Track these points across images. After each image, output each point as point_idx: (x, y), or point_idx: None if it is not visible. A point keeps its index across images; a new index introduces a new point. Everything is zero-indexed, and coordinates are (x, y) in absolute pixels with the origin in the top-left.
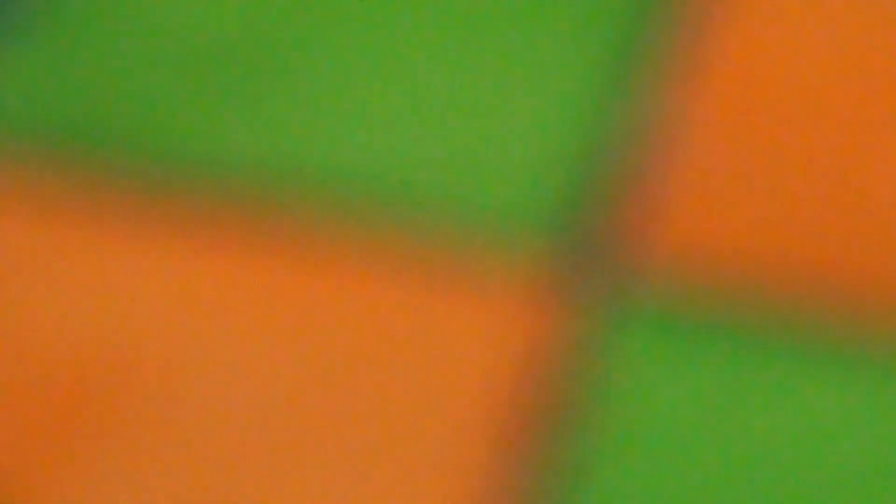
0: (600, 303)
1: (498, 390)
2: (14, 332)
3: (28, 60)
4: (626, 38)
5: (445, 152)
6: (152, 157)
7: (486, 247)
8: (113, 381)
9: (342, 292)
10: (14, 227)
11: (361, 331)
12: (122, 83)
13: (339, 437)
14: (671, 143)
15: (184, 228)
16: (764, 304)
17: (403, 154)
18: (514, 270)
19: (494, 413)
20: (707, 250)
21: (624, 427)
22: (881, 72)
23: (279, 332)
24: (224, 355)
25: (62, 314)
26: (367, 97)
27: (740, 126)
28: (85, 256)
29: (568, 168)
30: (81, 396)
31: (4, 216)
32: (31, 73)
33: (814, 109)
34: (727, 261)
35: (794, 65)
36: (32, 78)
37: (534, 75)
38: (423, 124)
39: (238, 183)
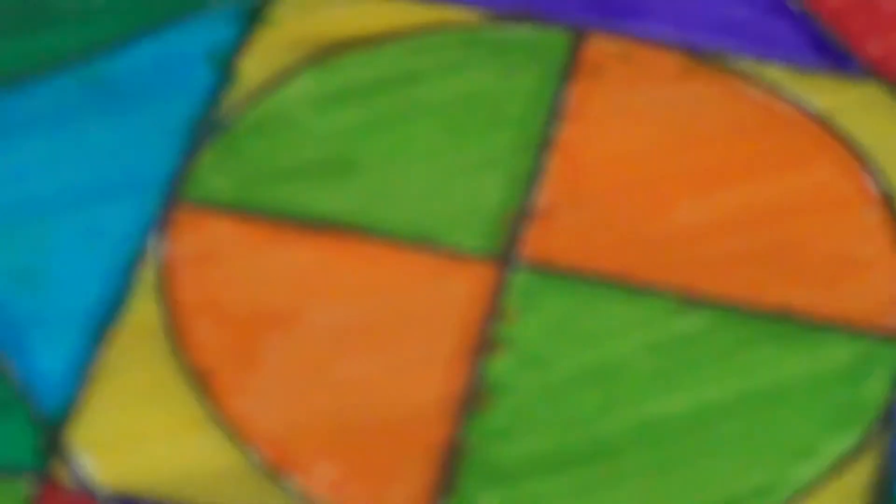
0: (511, 272)
1: (461, 313)
2: (232, 288)
3: (223, 152)
4: (528, 139)
5: (433, 199)
6: (293, 208)
7: (456, 246)
8: (280, 312)
9: (383, 267)
10: (231, 239)
11: (394, 288)
12: (275, 167)
13: (384, 332)
14: (548, 196)
15: (312, 239)
16: (594, 270)
17: (411, 202)
18: (469, 258)
19: (459, 321)
20: (563, 249)
21: (519, 332)
22: (662, 153)
23: (357, 288)
24: (333, 297)
25: (254, 280)
26: (396, 174)
27: (584, 185)
28: (263, 251)
29: (498, 208)
30: (260, 323)
31: (225, 233)
32: (225, 159)
33: (623, 173)
34: (574, 251)
35: (615, 149)
36: (227, 161)
37: (477, 164)
38: (422, 189)
39: (334, 216)
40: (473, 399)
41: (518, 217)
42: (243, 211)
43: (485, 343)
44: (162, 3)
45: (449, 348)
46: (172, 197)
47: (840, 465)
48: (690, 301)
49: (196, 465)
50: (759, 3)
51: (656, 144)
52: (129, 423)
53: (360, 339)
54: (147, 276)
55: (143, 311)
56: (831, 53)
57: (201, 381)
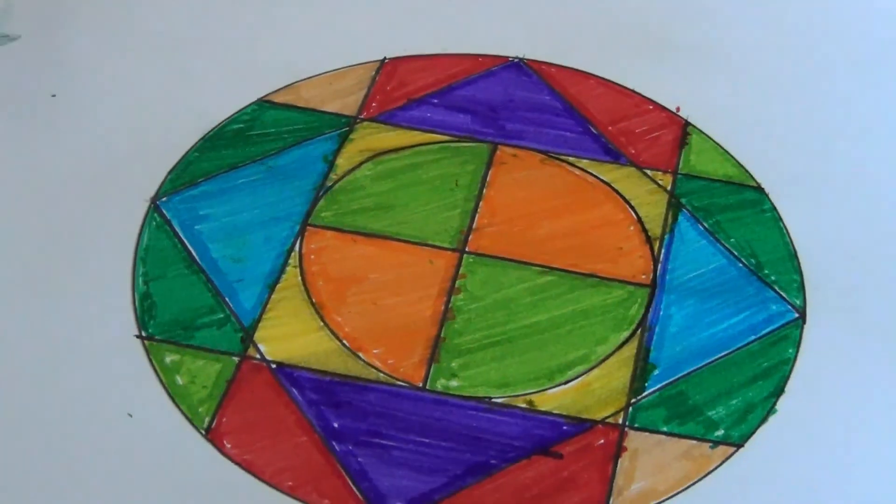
0: (464, 256)
1: (441, 275)
2: (332, 264)
3: (328, 201)
4: (471, 195)
5: (427, 223)
6: (361, 227)
7: (438, 245)
8: (355, 275)
9: (403, 254)
10: (331, 242)
11: (409, 264)
12: (352, 208)
13: (404, 284)
14: (480, 221)
15: (370, 242)
16: (502, 255)
17: (417, 224)
18: (444, 250)
19: (437, 280)
20: (488, 246)
21: (468, 284)
22: (533, 201)
23: (391, 264)
24: (380, 268)
25: (342, 261)
26: (409, 212)
27: (497, 216)
28: (347, 247)
29: (458, 227)
30: (345, 281)
31: (329, 239)
32: (329, 204)
33: (515, 210)
34: (493, 247)
35: (511, 199)
36: (330, 205)
37: (447, 206)
38: (422, 218)
39: (380, 231)
40: (447, 315)
41: (467, 231)
42: (337, 228)
43: (452, 289)
44: (300, 133)
45: (436, 291)
46: (305, 222)
47: (620, 346)
48: (546, 269)
49: (316, 349)
50: (578, 129)
51: (530, 197)
52: (284, 329)
53: (393, 288)
54: (293, 259)
55: (291, 276)
56: (612, 154)
57: (318, 309)
